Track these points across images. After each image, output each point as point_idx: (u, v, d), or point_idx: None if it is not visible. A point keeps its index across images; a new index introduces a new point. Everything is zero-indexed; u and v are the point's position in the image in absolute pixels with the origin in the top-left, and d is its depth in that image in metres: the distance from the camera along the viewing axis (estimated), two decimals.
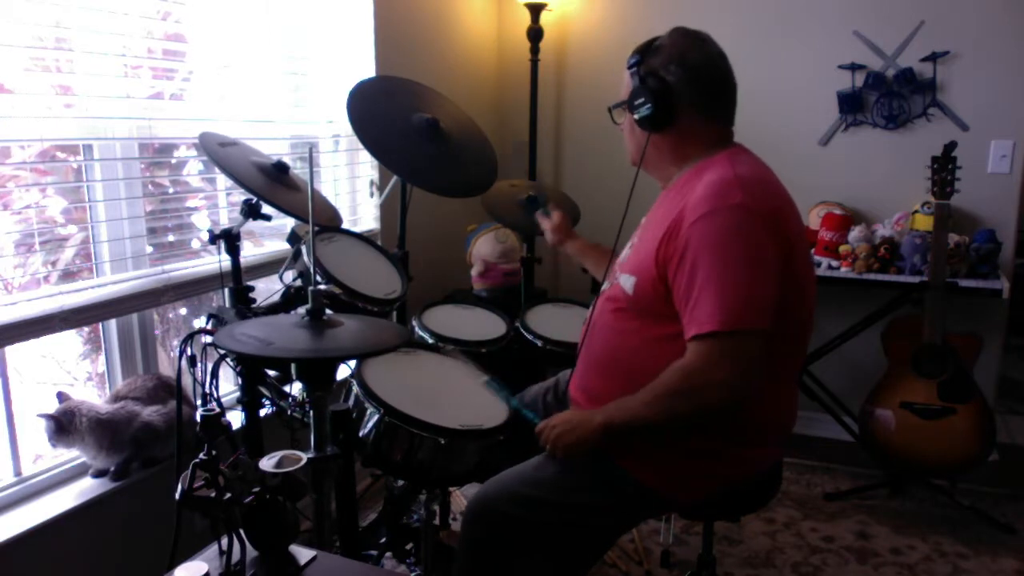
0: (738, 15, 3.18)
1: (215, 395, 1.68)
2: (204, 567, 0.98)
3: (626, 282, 1.49)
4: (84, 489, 1.77)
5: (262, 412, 1.76)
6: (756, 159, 1.52)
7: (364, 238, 2.08)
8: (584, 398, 1.58)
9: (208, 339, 1.60)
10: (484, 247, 2.98)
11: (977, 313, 2.95)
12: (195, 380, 1.65)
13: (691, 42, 1.50)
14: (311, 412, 1.32)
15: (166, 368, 2.10)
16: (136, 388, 1.85)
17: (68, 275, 1.83)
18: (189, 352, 1.61)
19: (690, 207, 1.39)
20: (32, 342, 1.69)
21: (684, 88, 1.47)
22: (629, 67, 1.51)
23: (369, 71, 2.68)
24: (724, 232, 1.35)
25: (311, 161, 1.38)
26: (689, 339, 1.35)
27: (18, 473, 1.74)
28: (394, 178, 2.36)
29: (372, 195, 2.82)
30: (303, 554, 1.12)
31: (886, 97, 3.03)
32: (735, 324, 1.31)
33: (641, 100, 1.48)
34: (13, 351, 1.74)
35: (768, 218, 1.37)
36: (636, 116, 1.51)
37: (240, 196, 1.89)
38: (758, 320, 1.33)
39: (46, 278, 1.82)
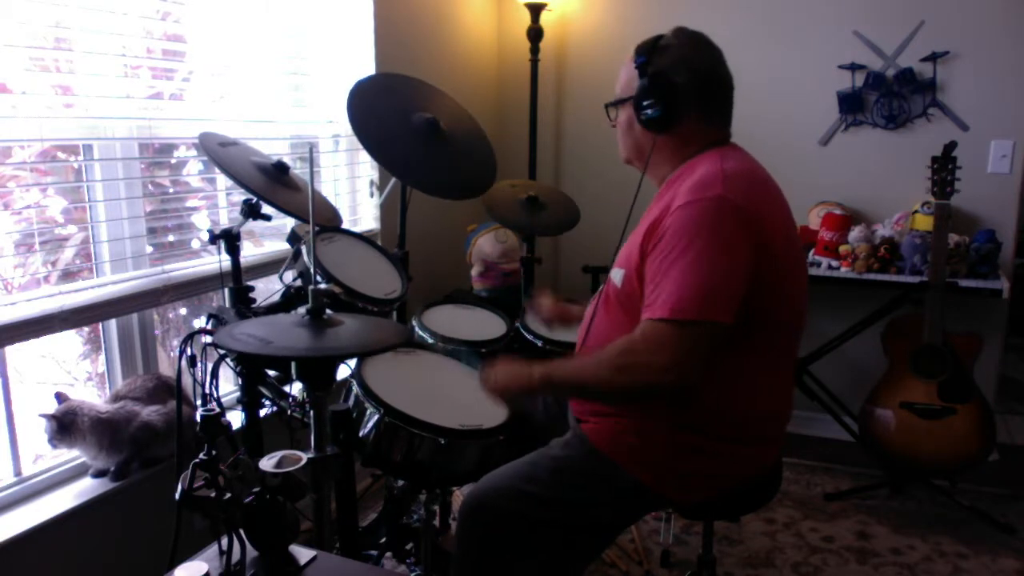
0: (739, 15, 3.18)
1: (215, 395, 1.68)
2: (204, 567, 0.98)
3: (616, 275, 1.50)
4: (84, 489, 1.77)
5: (262, 412, 1.76)
6: (746, 155, 1.52)
7: (364, 238, 2.08)
8: None
9: (208, 339, 1.60)
10: (484, 247, 2.98)
11: (977, 313, 2.95)
12: (195, 380, 1.65)
13: (698, 44, 1.50)
14: (311, 412, 1.32)
15: (166, 368, 2.10)
16: (136, 388, 1.85)
17: (68, 275, 1.83)
18: (189, 352, 1.61)
19: (676, 199, 1.40)
20: (32, 342, 1.69)
21: (691, 91, 1.47)
22: (637, 66, 1.50)
23: (369, 71, 2.68)
24: (696, 221, 1.35)
25: (311, 161, 1.38)
26: (643, 319, 1.36)
27: (18, 473, 1.75)
28: (394, 178, 2.36)
29: (372, 195, 2.82)
30: (303, 554, 1.12)
31: (886, 97, 3.03)
32: (687, 314, 1.31)
33: (650, 101, 1.48)
34: (13, 351, 1.74)
35: (744, 212, 1.36)
36: (642, 117, 1.50)
37: (240, 196, 1.89)
38: (714, 312, 1.32)
39: (46, 278, 1.82)
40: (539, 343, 2.16)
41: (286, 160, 1.83)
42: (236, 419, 1.82)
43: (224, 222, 2.22)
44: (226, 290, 1.79)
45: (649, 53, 1.49)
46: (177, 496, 1.02)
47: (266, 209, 1.76)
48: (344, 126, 2.56)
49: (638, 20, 3.35)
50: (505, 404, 1.53)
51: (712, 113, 1.52)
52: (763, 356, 1.45)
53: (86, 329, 2.00)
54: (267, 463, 1.09)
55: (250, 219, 1.77)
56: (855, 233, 2.85)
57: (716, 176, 1.39)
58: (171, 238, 2.08)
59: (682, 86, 1.46)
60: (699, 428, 1.45)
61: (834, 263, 2.87)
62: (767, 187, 1.48)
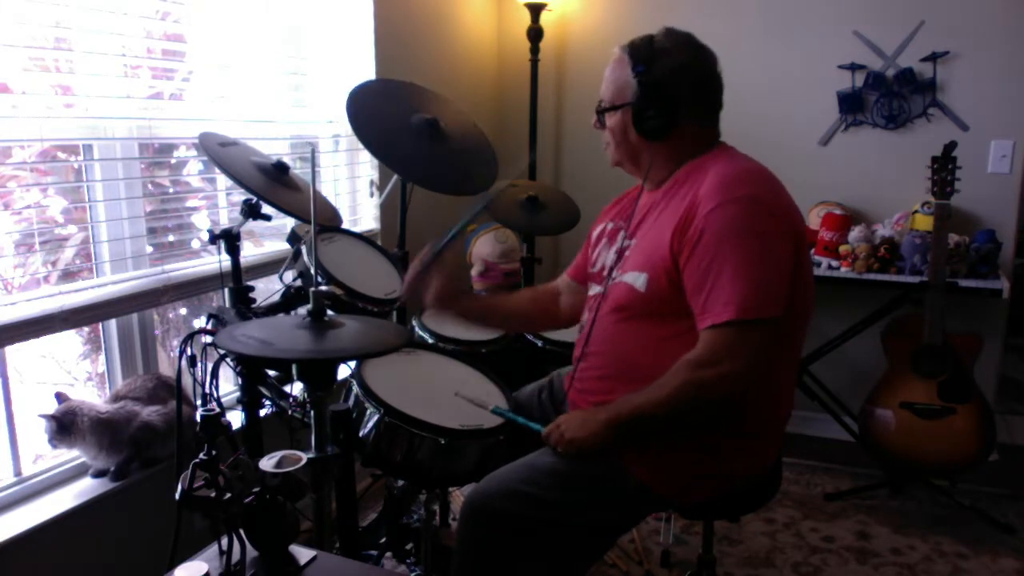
0: (738, 15, 3.18)
1: (215, 395, 1.68)
2: (204, 567, 0.98)
3: (636, 279, 1.47)
4: (84, 489, 1.77)
5: (262, 412, 1.76)
6: (746, 155, 1.53)
7: (364, 238, 2.08)
8: (585, 402, 1.57)
9: (208, 339, 1.60)
10: (484, 247, 2.98)
11: (977, 313, 2.95)
12: (195, 380, 1.65)
13: (696, 49, 1.50)
14: (311, 412, 1.32)
15: (166, 368, 2.10)
16: (136, 388, 1.85)
17: (68, 275, 1.82)
18: (189, 352, 1.61)
19: (702, 197, 1.39)
20: (32, 342, 1.69)
21: (689, 97, 1.47)
22: (636, 74, 1.48)
23: (369, 71, 2.68)
24: (739, 222, 1.36)
25: (312, 161, 1.38)
26: (703, 328, 1.36)
27: (18, 473, 1.74)
28: (394, 178, 2.36)
29: (372, 195, 2.82)
30: (303, 554, 1.12)
31: (886, 97, 3.03)
32: (749, 313, 1.32)
33: (652, 111, 1.47)
34: (13, 351, 1.74)
35: (778, 210, 1.40)
36: (644, 127, 1.49)
37: (240, 196, 1.89)
38: (773, 309, 1.35)
39: (46, 278, 1.82)
40: (539, 343, 2.15)
41: (286, 160, 1.83)
42: (236, 419, 1.82)
43: (224, 222, 2.22)
44: (226, 290, 1.79)
45: (648, 60, 1.48)
46: (177, 496, 1.02)
47: (266, 209, 1.76)
48: (344, 126, 2.55)
49: (638, 20, 3.35)
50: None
51: (707, 115, 1.53)
52: (778, 351, 1.45)
53: (86, 329, 2.00)
54: (267, 463, 1.09)
55: (250, 219, 1.77)
56: (855, 233, 2.85)
57: (739, 175, 1.41)
58: (171, 238, 2.08)
59: (683, 94, 1.47)
60: (710, 427, 1.45)
61: (834, 263, 2.87)
62: (781, 184, 1.49)
